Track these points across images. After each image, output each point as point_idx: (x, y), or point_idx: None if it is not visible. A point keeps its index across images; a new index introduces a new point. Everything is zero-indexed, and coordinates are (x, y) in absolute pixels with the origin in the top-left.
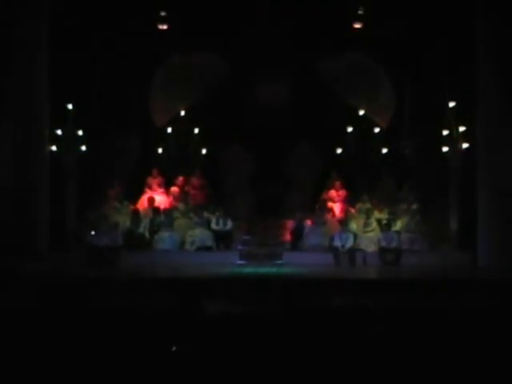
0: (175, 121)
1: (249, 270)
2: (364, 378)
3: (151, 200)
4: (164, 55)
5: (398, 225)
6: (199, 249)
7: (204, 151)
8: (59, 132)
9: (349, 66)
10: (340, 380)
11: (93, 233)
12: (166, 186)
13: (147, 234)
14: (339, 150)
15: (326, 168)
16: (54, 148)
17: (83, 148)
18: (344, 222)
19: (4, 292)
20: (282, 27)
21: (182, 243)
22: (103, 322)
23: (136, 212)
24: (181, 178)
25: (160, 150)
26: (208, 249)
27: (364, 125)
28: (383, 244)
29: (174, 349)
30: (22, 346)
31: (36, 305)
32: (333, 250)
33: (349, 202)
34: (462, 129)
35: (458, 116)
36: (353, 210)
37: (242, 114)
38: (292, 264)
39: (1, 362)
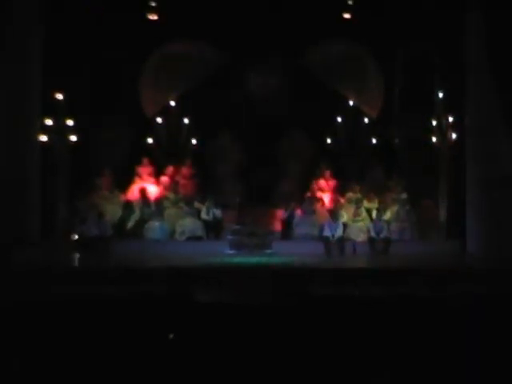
0: (165, 111)
1: (239, 259)
2: (354, 365)
3: (142, 190)
4: (155, 44)
5: (387, 214)
6: (189, 238)
7: (194, 141)
8: (50, 122)
9: (337, 55)
10: (330, 367)
11: (82, 223)
12: (156, 175)
13: (137, 224)
14: (329, 140)
15: (316, 157)
16: (44, 138)
17: (74, 138)
18: (334, 212)
19: None
20: (272, 15)
21: (172, 233)
22: (92, 311)
23: (128, 202)
24: (171, 168)
25: (150, 140)
26: (198, 238)
27: (353, 114)
28: (373, 233)
29: (171, 336)
30: (12, 334)
31: (26, 294)
32: (323, 239)
33: (338, 191)
34: (451, 118)
35: (447, 106)
36: (342, 200)
37: (232, 103)
38: (282, 253)
39: None
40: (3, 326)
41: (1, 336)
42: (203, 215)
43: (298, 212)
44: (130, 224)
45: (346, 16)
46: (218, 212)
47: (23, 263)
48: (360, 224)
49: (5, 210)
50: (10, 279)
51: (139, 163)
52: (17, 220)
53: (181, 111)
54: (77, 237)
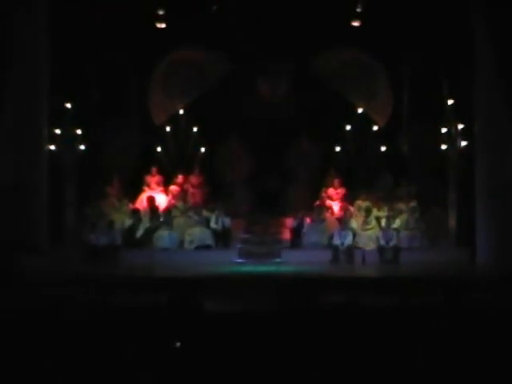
0: (174, 119)
1: (248, 268)
2: (362, 376)
3: (150, 199)
4: (163, 52)
5: (396, 222)
6: (198, 247)
7: (203, 149)
8: (58, 131)
9: (346, 63)
10: (337, 378)
11: (91, 231)
12: (165, 184)
13: (146, 233)
14: (338, 148)
15: (325, 166)
16: (52, 147)
17: (82, 147)
18: (343, 220)
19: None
20: (281, 22)
21: (181, 242)
22: (101, 320)
23: (136, 211)
24: (180, 177)
25: (159, 149)
26: (207, 247)
27: (362, 122)
28: (382, 242)
29: (177, 344)
30: (19, 344)
31: (33, 302)
32: (332, 248)
33: (347, 199)
34: (460, 126)
35: (457, 113)
36: (351, 208)
37: (241, 111)
38: (291, 262)
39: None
40: (7, 333)
41: (4, 343)
42: (212, 224)
43: (307, 220)
44: (139, 233)
45: (355, 24)
46: (227, 221)
47: (31, 270)
48: (369, 232)
49: (14, 218)
50: (17, 286)
51: (148, 172)
52: (25, 228)
53: (189, 119)
54: (85, 246)
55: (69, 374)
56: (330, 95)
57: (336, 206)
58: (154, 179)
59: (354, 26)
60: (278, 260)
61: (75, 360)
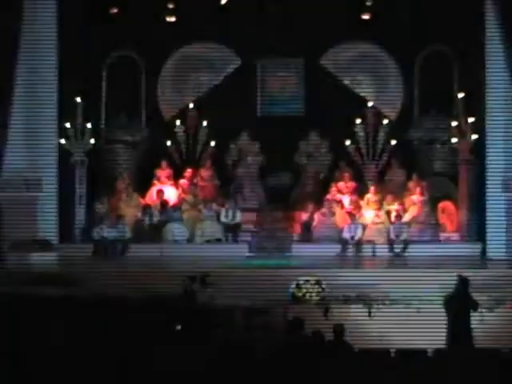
0: (184, 113)
1: (258, 262)
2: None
3: (160, 193)
4: (172, 46)
5: (407, 216)
6: (208, 241)
7: (213, 143)
8: (68, 125)
9: (356, 57)
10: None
11: (101, 226)
12: (175, 178)
13: (156, 227)
14: (348, 142)
15: (335, 159)
16: (63, 141)
17: (92, 141)
18: (353, 214)
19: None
20: (291, 16)
21: (191, 236)
22: (111, 313)
23: (146, 205)
24: (190, 170)
25: (169, 143)
26: (217, 241)
27: (373, 116)
28: (392, 235)
29: (178, 327)
30: (29, 337)
31: (43, 296)
32: (342, 241)
33: (358, 193)
34: (471, 120)
35: (468, 107)
36: (362, 202)
37: (251, 106)
38: (301, 256)
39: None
40: (19, 328)
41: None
42: (222, 218)
43: (318, 214)
44: (149, 227)
45: (365, 17)
46: (237, 215)
47: (40, 266)
48: (379, 226)
49: (23, 214)
50: (25, 281)
51: (158, 166)
52: (35, 223)
53: (199, 113)
54: (95, 240)
55: (77, 368)
56: (339, 89)
57: (346, 200)
58: (163, 173)
59: (364, 20)
60: (288, 254)
61: (82, 354)
